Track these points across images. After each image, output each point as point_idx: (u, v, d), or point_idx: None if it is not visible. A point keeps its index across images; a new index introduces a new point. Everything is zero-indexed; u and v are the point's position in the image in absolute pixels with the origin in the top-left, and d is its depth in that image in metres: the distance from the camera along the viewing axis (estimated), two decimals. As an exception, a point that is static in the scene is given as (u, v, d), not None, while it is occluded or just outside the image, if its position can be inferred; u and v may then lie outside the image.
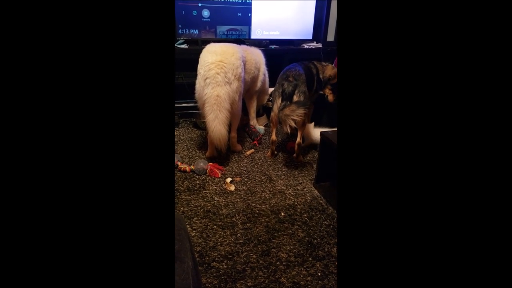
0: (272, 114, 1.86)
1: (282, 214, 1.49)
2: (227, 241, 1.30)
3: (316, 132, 2.08)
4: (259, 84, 2.22)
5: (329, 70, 2.10)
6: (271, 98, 2.05)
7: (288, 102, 1.72)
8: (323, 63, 2.13)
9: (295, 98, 1.75)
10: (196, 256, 1.22)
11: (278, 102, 1.77)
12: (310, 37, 2.77)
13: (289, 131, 1.71)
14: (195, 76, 1.83)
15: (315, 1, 2.66)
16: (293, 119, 1.64)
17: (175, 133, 2.33)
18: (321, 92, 2.16)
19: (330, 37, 2.86)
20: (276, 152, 2.05)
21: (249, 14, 2.55)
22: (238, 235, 1.34)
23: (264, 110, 2.60)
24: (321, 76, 2.07)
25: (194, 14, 2.42)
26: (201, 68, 1.74)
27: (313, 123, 2.16)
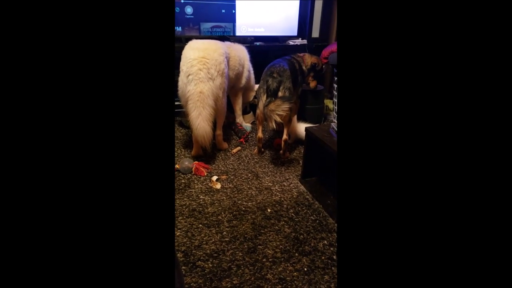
0: (258, 111, 1.84)
1: (269, 210, 1.48)
2: (213, 240, 1.28)
3: (300, 127, 2.08)
4: (243, 80, 2.20)
5: (308, 58, 2.10)
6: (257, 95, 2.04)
7: (273, 98, 1.70)
8: (299, 54, 2.13)
9: (280, 94, 1.73)
10: (181, 255, 1.19)
11: (263, 98, 1.75)
12: (295, 33, 2.77)
13: (274, 126, 1.70)
14: (178, 74, 1.79)
15: (299, -2, 2.65)
16: (278, 114, 1.63)
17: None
18: (304, 83, 2.17)
19: (315, 33, 2.86)
20: (263, 149, 2.04)
21: (233, 11, 2.53)
22: (224, 233, 1.32)
23: (250, 108, 2.58)
24: (303, 68, 2.07)
25: (177, 10, 2.38)
26: (184, 65, 1.70)
27: (295, 116, 2.16)
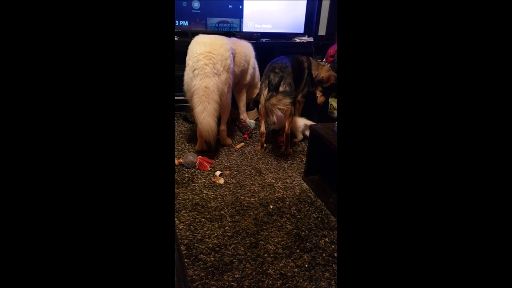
0: (260, 106, 1.87)
1: (271, 206, 1.49)
2: (215, 234, 1.29)
3: (303, 124, 2.08)
4: (248, 77, 2.20)
5: (324, 71, 2.08)
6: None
7: (275, 93, 1.72)
8: (321, 62, 2.13)
9: (281, 89, 1.76)
10: (183, 249, 1.20)
11: (265, 93, 1.78)
12: (302, 31, 2.76)
13: (275, 120, 1.73)
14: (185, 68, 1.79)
15: (306, -5, 2.64)
16: (279, 108, 1.67)
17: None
18: (312, 90, 2.15)
19: (322, 31, 2.85)
20: (265, 145, 2.04)
21: (241, 7, 2.52)
22: (226, 227, 1.33)
23: (254, 104, 2.58)
24: (313, 72, 2.06)
25: (184, 5, 2.37)
26: (190, 59, 1.71)
27: (303, 119, 2.16)
